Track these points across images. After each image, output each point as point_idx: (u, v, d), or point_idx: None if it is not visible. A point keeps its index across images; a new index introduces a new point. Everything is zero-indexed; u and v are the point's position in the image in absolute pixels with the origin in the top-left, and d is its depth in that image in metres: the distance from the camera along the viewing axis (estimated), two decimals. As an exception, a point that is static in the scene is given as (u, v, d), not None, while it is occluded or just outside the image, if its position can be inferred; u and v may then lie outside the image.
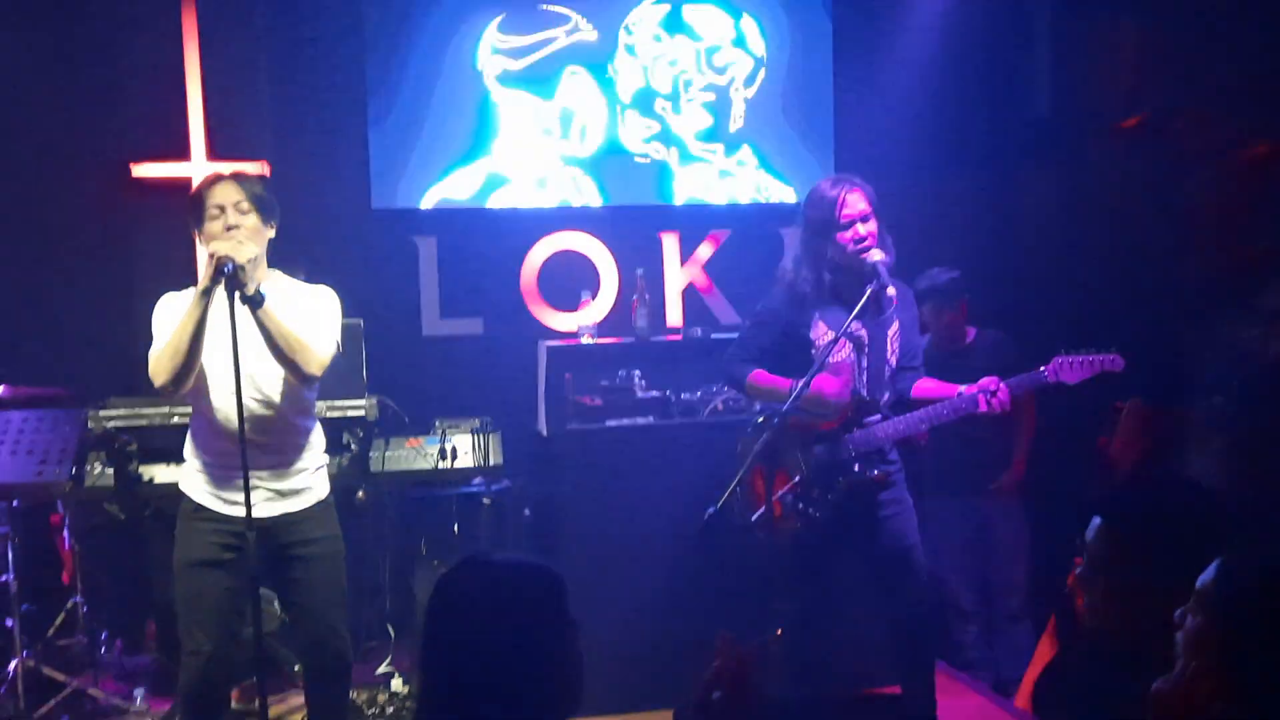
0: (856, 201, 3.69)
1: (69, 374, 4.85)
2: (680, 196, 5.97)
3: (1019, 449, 4.86)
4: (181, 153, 5.35)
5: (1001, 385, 3.65)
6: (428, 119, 5.68)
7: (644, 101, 5.90)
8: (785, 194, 6.02)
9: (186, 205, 3.44)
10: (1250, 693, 1.65)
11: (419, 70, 5.66)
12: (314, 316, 3.43)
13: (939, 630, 4.94)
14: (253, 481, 3.22)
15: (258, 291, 3.22)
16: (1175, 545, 2.03)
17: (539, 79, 5.79)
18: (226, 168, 3.68)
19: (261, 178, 3.49)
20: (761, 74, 6.01)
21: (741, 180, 6.03)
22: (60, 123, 5.32)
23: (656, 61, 5.91)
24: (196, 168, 5.31)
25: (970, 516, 4.88)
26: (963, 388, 3.71)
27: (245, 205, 3.34)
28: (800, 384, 3.55)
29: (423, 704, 1.85)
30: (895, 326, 3.84)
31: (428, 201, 5.71)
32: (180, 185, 5.33)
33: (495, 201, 5.77)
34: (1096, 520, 2.09)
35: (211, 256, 3.18)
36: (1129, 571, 2.05)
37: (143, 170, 5.35)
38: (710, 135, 5.98)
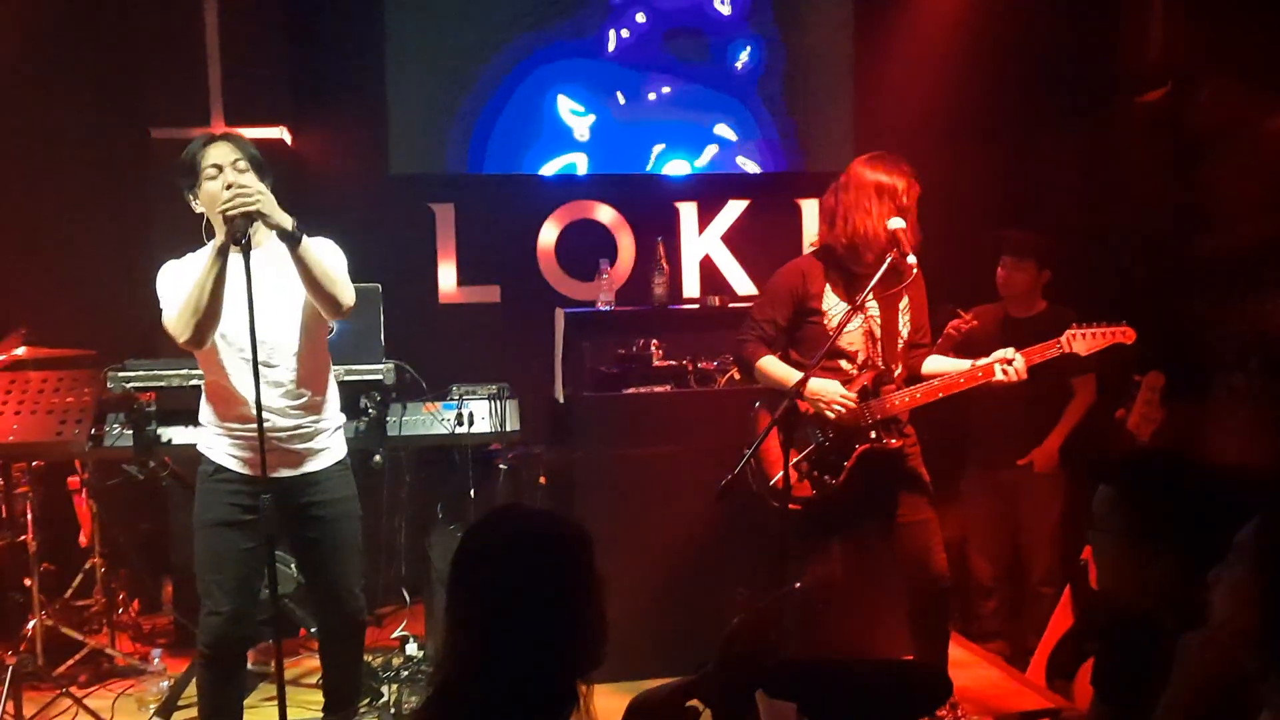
0: (914, 191, 3.72)
1: (89, 335, 4.88)
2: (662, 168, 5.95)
3: (1058, 430, 4.78)
4: (200, 118, 5.34)
5: (1018, 354, 3.65)
6: (453, 84, 5.65)
7: (634, 67, 5.89)
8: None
9: (176, 169, 3.37)
10: None
11: (442, 33, 5.63)
12: (330, 257, 3.39)
13: (958, 602, 4.95)
14: (272, 442, 3.24)
15: (296, 227, 3.18)
16: (1177, 511, 2.03)
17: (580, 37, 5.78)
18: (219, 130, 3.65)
19: (254, 140, 3.42)
20: (748, 50, 5.96)
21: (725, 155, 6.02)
22: (81, 87, 5.33)
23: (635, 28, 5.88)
24: (215, 132, 5.30)
25: (1003, 488, 4.85)
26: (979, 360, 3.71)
27: (243, 164, 3.30)
28: (803, 375, 3.56)
29: (446, 650, 1.85)
30: (905, 301, 3.83)
31: (434, 167, 5.69)
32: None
33: (508, 167, 5.76)
34: (1102, 487, 2.10)
35: (225, 214, 3.13)
36: (1134, 536, 2.04)
37: (162, 135, 5.34)
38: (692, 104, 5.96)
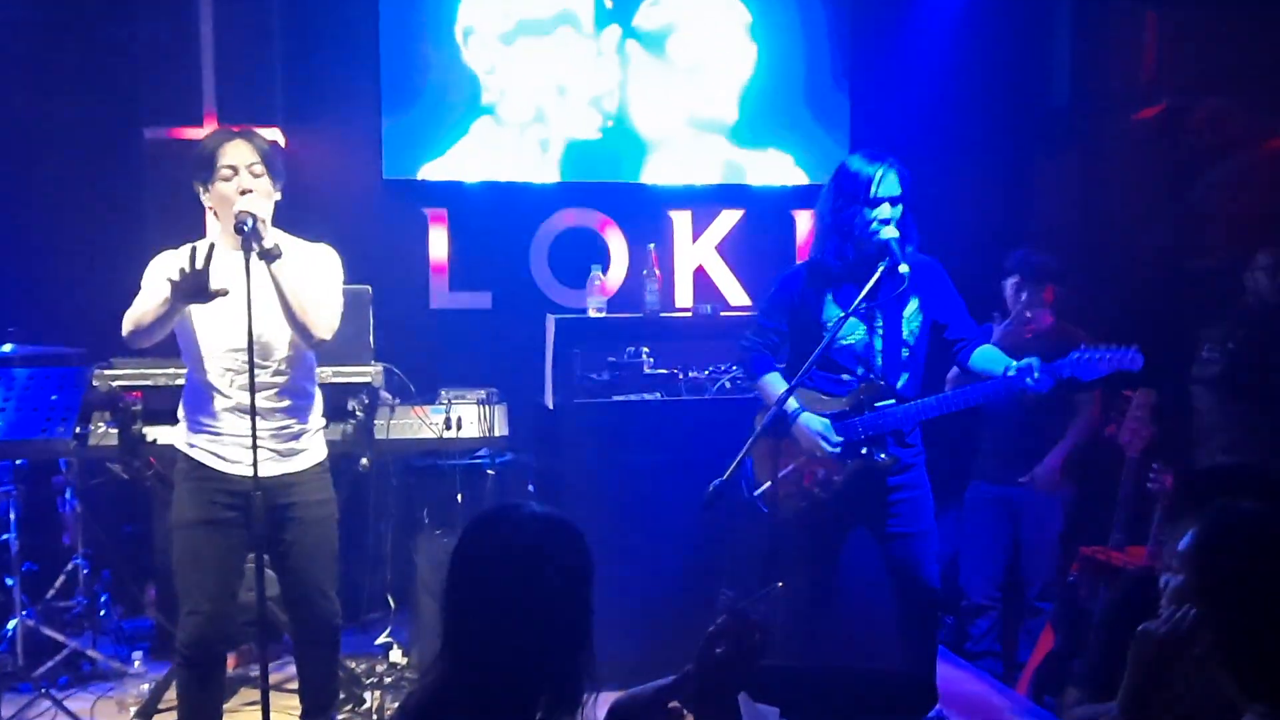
0: (892, 184, 3.64)
1: (76, 333, 4.85)
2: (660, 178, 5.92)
3: (1060, 448, 4.76)
4: (193, 117, 5.33)
5: (1043, 365, 3.52)
6: (442, 88, 5.65)
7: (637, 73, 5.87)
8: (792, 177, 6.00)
9: (192, 159, 3.41)
10: (1228, 641, 1.75)
11: (435, 37, 5.62)
12: (322, 279, 3.45)
13: (949, 618, 4.92)
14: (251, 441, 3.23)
15: (275, 245, 3.23)
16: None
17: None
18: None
19: (271, 140, 3.47)
20: (779, 61, 5.96)
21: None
22: (75, 85, 5.31)
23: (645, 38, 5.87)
24: (208, 132, 5.30)
25: (1006, 504, 4.84)
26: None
27: (259, 168, 3.34)
28: (784, 393, 3.54)
29: (444, 651, 1.85)
30: (913, 305, 3.76)
31: (427, 173, 5.67)
32: (190, 150, 5.31)
33: (502, 174, 5.74)
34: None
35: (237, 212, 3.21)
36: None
37: (154, 134, 5.33)
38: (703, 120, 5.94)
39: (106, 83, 5.34)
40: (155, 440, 4.24)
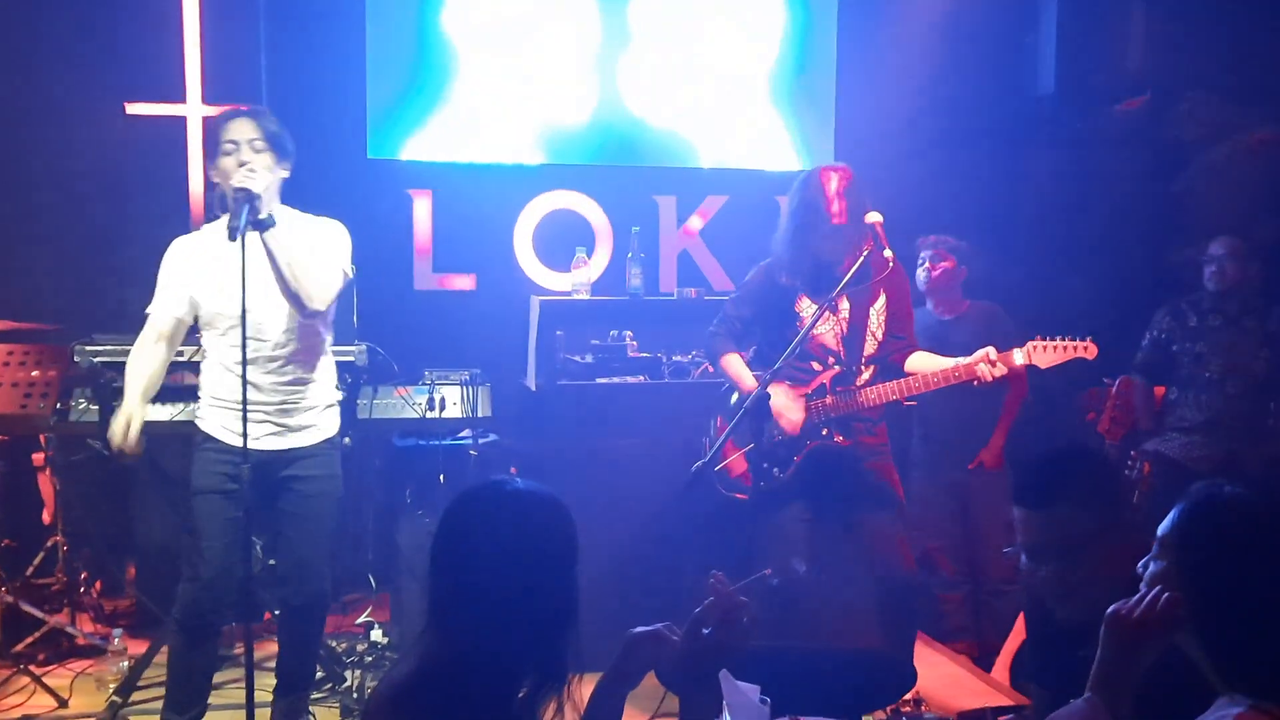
0: (836, 182, 3.67)
1: (56, 309, 4.82)
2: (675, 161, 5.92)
3: (1000, 427, 4.83)
4: (176, 95, 5.29)
5: (1000, 355, 3.62)
6: (428, 67, 5.62)
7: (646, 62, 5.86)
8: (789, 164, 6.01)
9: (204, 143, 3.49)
10: (1206, 624, 1.76)
11: (420, 16, 5.59)
12: (321, 249, 3.48)
13: (922, 599, 4.95)
14: (258, 415, 3.36)
15: (269, 215, 3.30)
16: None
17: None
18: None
19: (277, 120, 3.53)
20: (766, 49, 5.96)
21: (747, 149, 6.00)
22: (56, 59, 5.27)
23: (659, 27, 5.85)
24: (191, 109, 5.28)
25: (954, 491, 4.88)
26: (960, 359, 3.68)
27: (260, 143, 3.40)
28: (754, 393, 3.59)
29: (431, 628, 1.86)
30: (881, 300, 3.81)
31: (411, 151, 5.64)
32: (173, 126, 5.29)
33: (487, 155, 5.72)
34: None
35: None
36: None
37: (136, 110, 5.29)
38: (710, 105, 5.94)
39: (89, 57, 5.29)
40: (136, 417, 4.21)
